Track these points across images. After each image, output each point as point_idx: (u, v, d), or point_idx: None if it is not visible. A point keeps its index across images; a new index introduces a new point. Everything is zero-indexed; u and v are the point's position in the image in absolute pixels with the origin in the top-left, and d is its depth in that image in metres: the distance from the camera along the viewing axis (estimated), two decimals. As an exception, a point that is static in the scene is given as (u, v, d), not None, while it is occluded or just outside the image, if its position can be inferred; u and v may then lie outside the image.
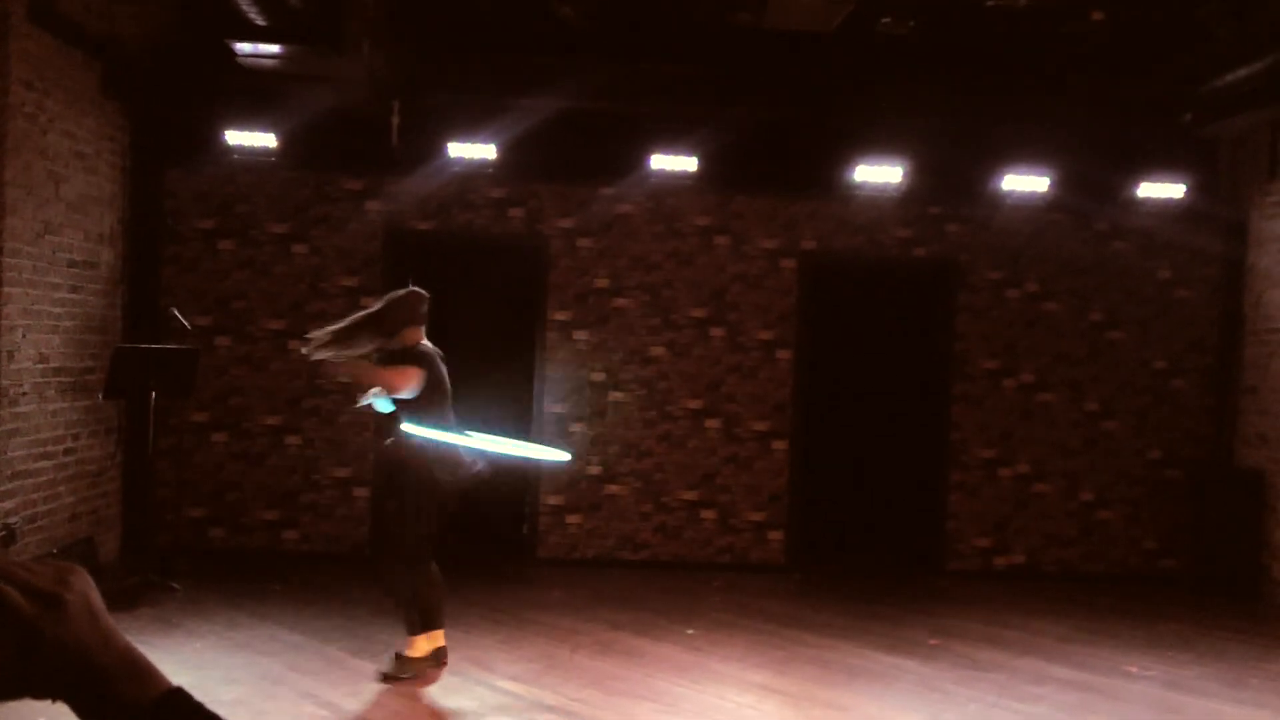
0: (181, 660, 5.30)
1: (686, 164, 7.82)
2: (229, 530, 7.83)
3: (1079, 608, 7.33)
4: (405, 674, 5.17)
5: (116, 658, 1.09)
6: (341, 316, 7.77)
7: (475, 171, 7.86)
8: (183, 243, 7.78)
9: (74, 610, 1.08)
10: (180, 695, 1.11)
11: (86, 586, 1.11)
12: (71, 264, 6.61)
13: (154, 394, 6.62)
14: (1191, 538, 8.29)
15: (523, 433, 8.19)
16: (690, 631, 6.31)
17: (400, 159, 7.83)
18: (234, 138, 7.56)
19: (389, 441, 5.39)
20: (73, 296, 6.65)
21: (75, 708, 1.08)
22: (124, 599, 6.22)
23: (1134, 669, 5.95)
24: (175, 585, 6.59)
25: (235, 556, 7.66)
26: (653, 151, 7.81)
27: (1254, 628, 7.06)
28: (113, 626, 1.11)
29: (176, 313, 6.94)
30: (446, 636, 5.94)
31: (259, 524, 7.86)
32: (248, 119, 7.51)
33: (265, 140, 7.58)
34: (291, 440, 7.88)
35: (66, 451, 6.64)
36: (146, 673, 1.11)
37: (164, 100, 7.46)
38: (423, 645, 5.24)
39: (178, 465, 7.74)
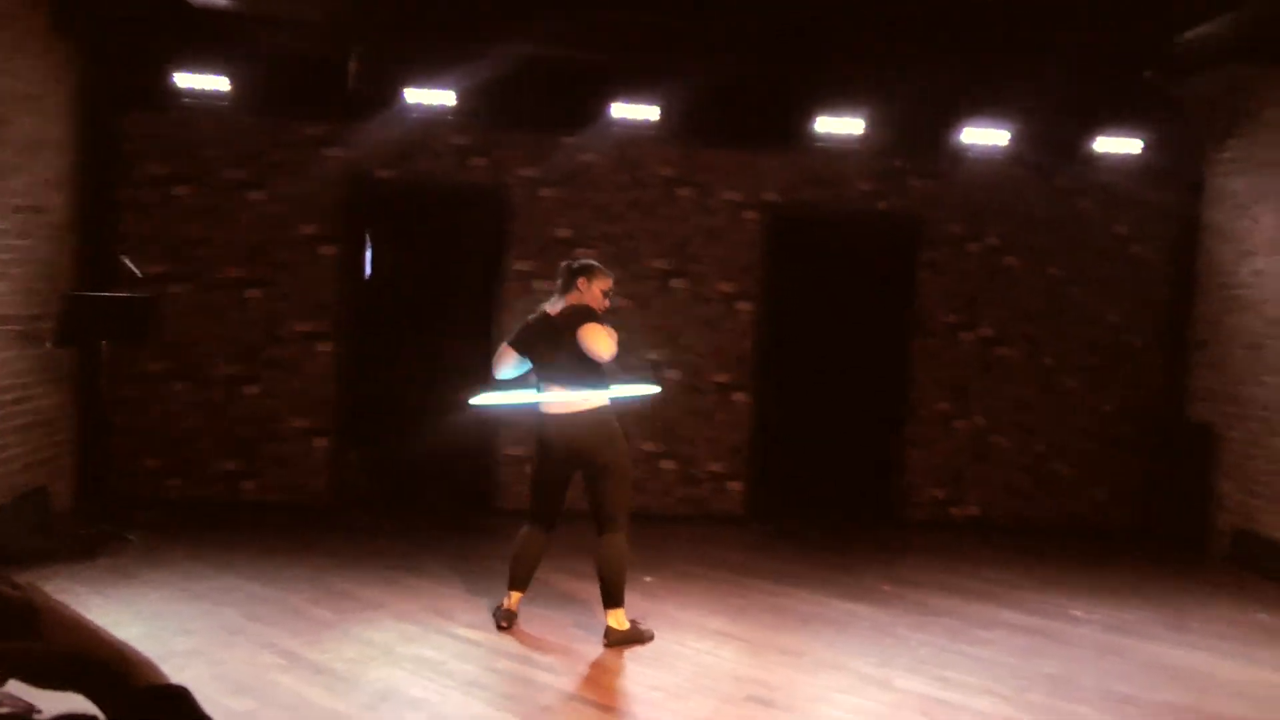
0: (137, 611, 5.29)
1: (650, 114, 7.76)
2: (187, 481, 7.78)
3: (1030, 556, 7.49)
4: (632, 640, 5.15)
5: (111, 647, 1.12)
6: (301, 266, 7.77)
7: (437, 119, 7.75)
8: (138, 188, 7.63)
9: (52, 599, 1.11)
10: (184, 693, 1.13)
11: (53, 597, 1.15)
12: (19, 209, 6.46)
13: (107, 342, 6.53)
14: (1141, 489, 8.47)
15: (482, 383, 8.18)
16: (649, 579, 6.38)
17: (360, 105, 7.70)
18: (189, 81, 7.40)
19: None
20: (21, 242, 6.50)
21: (89, 695, 1.11)
22: (80, 549, 6.18)
23: (1080, 613, 6.10)
24: (131, 536, 6.55)
25: (194, 507, 7.62)
26: (616, 101, 7.75)
27: (1198, 575, 7.26)
28: (98, 626, 1.14)
29: (127, 260, 6.82)
30: (409, 587, 5.98)
31: (218, 474, 7.81)
32: (203, 62, 7.35)
33: (221, 84, 7.43)
34: (251, 390, 7.81)
35: (16, 401, 6.52)
36: (146, 663, 1.14)
37: (117, 41, 7.28)
38: (623, 616, 5.16)
39: (134, 415, 7.66)
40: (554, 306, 5.20)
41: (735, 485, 8.25)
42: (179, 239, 7.68)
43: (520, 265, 7.98)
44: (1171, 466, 8.19)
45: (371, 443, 8.68)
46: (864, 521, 8.53)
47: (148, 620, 5.15)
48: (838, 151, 8.10)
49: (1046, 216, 8.37)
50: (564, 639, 5.23)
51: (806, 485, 9.38)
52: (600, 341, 4.93)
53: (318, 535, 7.08)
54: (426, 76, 7.55)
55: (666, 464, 8.16)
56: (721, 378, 8.18)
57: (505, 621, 5.29)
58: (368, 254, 9.16)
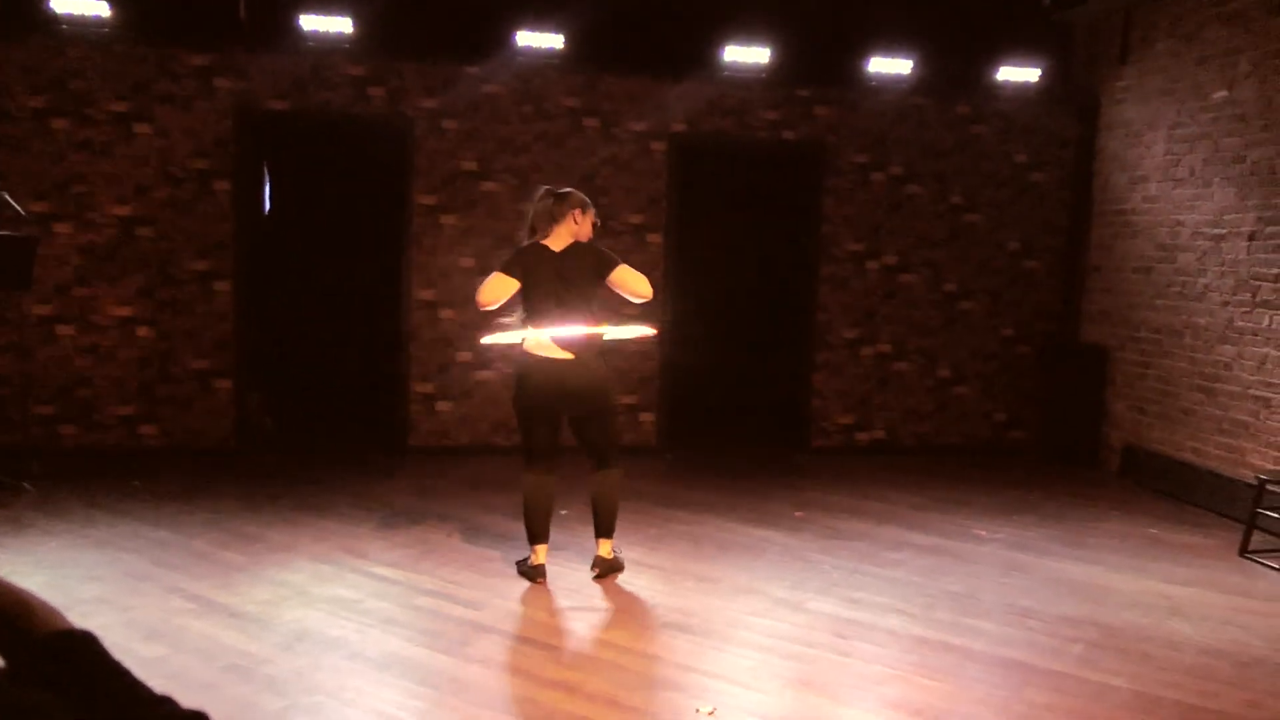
0: (37, 560, 5.11)
1: (554, 42, 7.61)
2: (82, 427, 7.50)
3: (934, 478, 7.71)
4: (615, 569, 5.26)
5: (10, 594, 1.09)
6: (193, 202, 7.48)
7: (332, 47, 7.47)
8: (11, 122, 7.21)
9: None
10: (90, 637, 1.09)
11: None
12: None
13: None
14: (1039, 410, 8.77)
15: (392, 320, 8.03)
16: (564, 512, 6.38)
17: (250, 33, 7.38)
18: (62, 5, 6.99)
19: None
20: (-112, 180, 6.12)
21: None
22: (-30, 500, 5.94)
23: (983, 533, 6.31)
24: (27, 485, 6.32)
25: (90, 454, 7.36)
26: (519, 29, 7.58)
27: (1092, 492, 7.57)
28: None
29: (8, 198, 6.46)
30: (320, 528, 5.89)
31: (114, 420, 7.55)
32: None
33: (98, 9, 7.04)
34: (144, 333, 7.53)
35: (-106, 348, 6.20)
36: (49, 609, 1.10)
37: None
38: (611, 546, 5.25)
39: (20, 361, 7.33)
40: (553, 241, 4.95)
41: (647, 417, 8.29)
42: (60, 175, 7.30)
43: (425, 199, 7.80)
44: (1066, 387, 8.49)
45: (275, 383, 8.48)
46: (773, 448, 8.66)
47: (49, 569, 4.99)
48: (743, 81, 8.06)
49: (948, 144, 8.49)
50: (482, 574, 5.22)
51: (717, 414, 9.50)
52: (644, 284, 4.94)
53: (222, 479, 6.92)
54: (321, 3, 7.27)
55: (578, 398, 8.14)
56: (631, 310, 8.15)
57: (541, 577, 5.12)
58: (266, 189, 8.86)
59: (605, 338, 5.05)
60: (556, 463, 5.15)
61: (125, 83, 7.34)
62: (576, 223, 4.99)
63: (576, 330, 4.89)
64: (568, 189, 5.10)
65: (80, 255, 7.38)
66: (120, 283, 7.46)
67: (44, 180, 7.27)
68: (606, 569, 5.23)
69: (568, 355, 4.91)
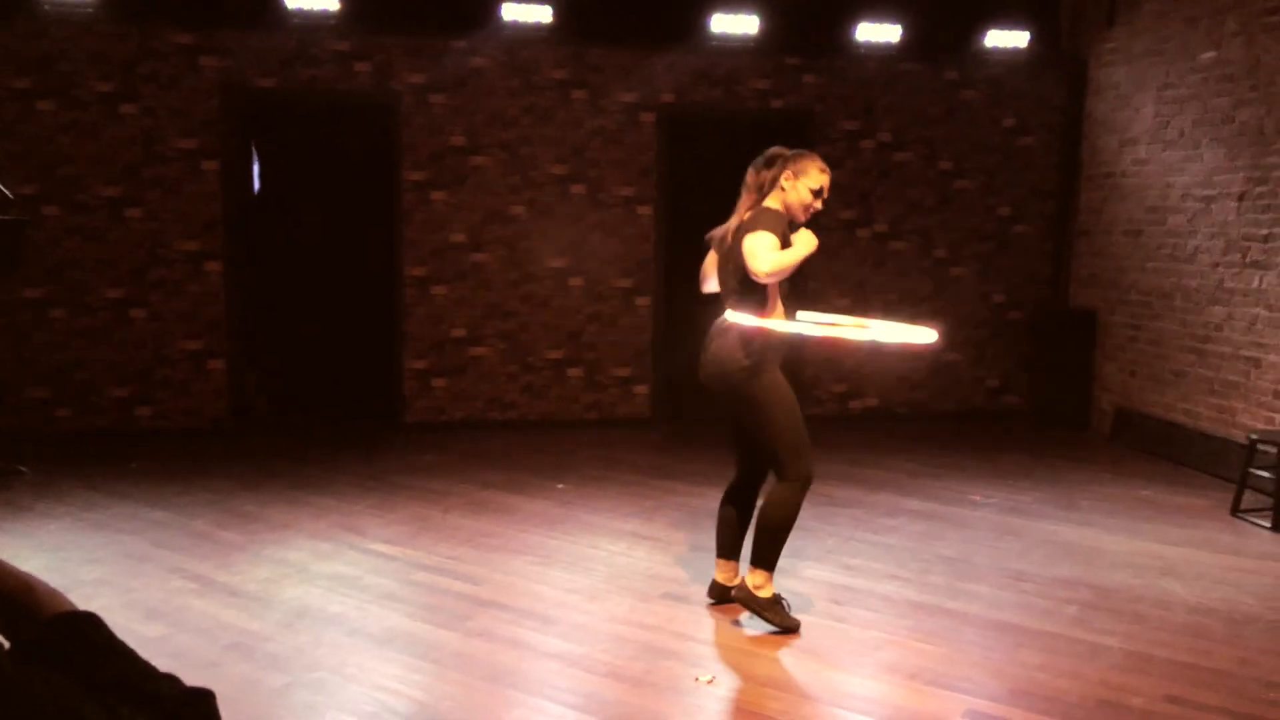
0: (37, 544, 5.14)
1: (540, 14, 7.57)
2: (77, 410, 7.50)
3: (928, 445, 7.75)
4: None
5: (13, 578, 1.10)
6: (181, 182, 7.44)
7: (317, 23, 7.43)
8: (-4, 105, 7.17)
9: None
10: (94, 619, 1.11)
11: None
12: None
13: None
14: (1030, 375, 8.81)
15: (385, 298, 8.03)
16: (561, 486, 6.43)
17: (234, 10, 7.33)
18: (44, -13, 6.94)
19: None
20: (-126, 166, 6.08)
21: None
22: (-33, 485, 5.95)
23: (977, 498, 6.36)
24: (23, 469, 6.33)
25: (86, 437, 7.38)
26: (506, 1, 7.53)
27: (1084, 455, 7.62)
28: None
29: (-4, 181, 6.43)
30: (318, 505, 5.91)
31: (109, 402, 7.55)
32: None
33: (80, -10, 6.98)
34: (137, 314, 7.53)
35: (-114, 334, 6.18)
36: (52, 592, 1.12)
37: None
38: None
39: (13, 345, 7.33)
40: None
41: (640, 389, 8.32)
42: (47, 157, 7.27)
43: (414, 175, 7.78)
44: (1057, 351, 8.52)
45: (269, 362, 8.47)
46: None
47: (49, 552, 5.01)
48: (732, 50, 8.03)
49: (937, 111, 8.47)
50: (480, 549, 5.26)
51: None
52: (754, 259, 4.05)
53: (218, 459, 6.93)
54: (304, -22, 7.21)
55: (572, 371, 8.17)
56: (624, 283, 8.17)
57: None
58: (255, 168, 8.81)
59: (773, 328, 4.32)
60: (740, 468, 4.68)
61: (110, 63, 7.29)
62: (783, 189, 4.36)
63: (734, 316, 4.35)
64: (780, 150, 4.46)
65: (70, 237, 7.36)
66: (111, 264, 7.44)
67: (31, 162, 7.23)
68: (741, 597, 4.32)
69: (712, 341, 4.44)
